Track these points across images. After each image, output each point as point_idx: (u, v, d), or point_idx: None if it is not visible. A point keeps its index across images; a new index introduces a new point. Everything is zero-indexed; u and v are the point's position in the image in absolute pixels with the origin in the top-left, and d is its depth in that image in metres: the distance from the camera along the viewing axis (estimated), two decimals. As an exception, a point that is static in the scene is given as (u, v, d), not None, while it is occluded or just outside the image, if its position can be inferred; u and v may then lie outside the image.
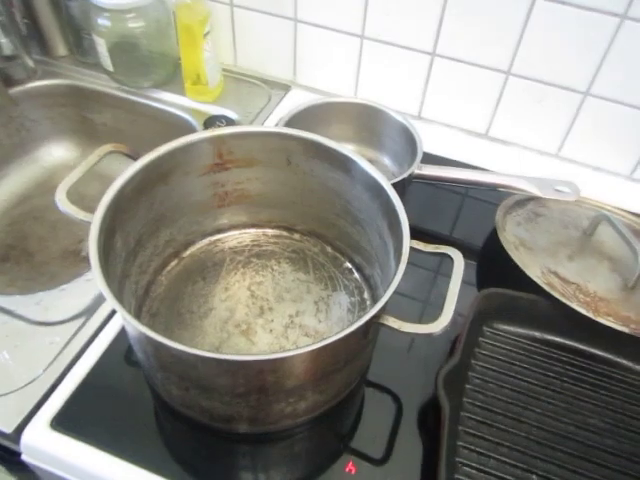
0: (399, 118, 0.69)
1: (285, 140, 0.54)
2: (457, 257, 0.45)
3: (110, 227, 0.46)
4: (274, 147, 0.55)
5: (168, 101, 0.85)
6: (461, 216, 0.73)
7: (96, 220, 0.44)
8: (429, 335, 0.40)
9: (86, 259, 0.82)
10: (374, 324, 0.41)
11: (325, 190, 0.57)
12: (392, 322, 0.41)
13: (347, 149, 0.52)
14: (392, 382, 0.54)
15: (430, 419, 0.51)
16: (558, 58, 0.69)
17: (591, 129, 0.74)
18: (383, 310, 0.41)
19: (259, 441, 0.49)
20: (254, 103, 0.86)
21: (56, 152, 0.94)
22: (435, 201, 0.73)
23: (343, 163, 0.53)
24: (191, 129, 0.83)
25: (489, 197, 0.74)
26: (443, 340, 0.57)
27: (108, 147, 0.51)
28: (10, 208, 0.87)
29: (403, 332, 0.41)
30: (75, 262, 0.81)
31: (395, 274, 0.42)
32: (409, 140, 0.69)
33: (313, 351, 0.36)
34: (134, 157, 0.53)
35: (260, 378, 0.40)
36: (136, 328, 0.37)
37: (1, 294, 0.59)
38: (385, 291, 0.41)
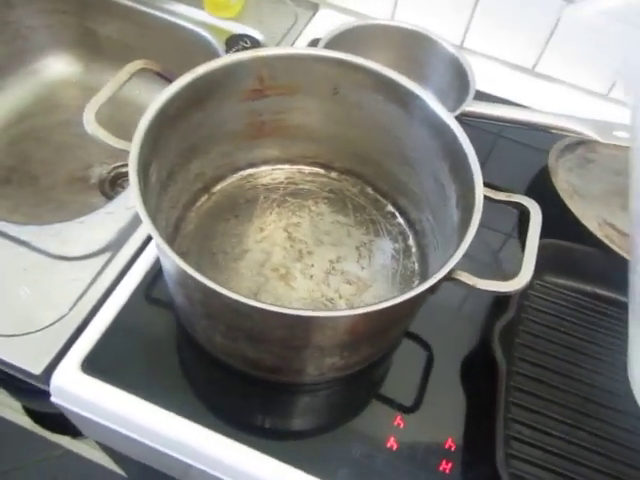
0: (449, 48, 0.63)
1: (337, 66, 0.48)
2: (533, 207, 0.41)
3: (147, 157, 0.41)
4: (322, 74, 0.49)
5: (183, 14, 0.77)
6: (496, 159, 0.69)
7: (134, 148, 0.39)
8: (506, 293, 0.37)
9: (96, 187, 0.76)
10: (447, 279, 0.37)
11: (373, 125, 0.52)
12: (466, 278, 0.37)
13: (410, 81, 0.46)
14: (430, 333, 0.52)
15: (475, 371, 0.50)
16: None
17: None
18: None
19: (299, 391, 0.47)
20: (279, 23, 0.78)
21: (56, 66, 0.85)
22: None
23: (402, 96, 0.47)
24: (209, 48, 0.76)
25: (525, 139, 0.69)
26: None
27: (139, 63, 0.45)
28: (8, 126, 0.80)
29: (478, 289, 0.37)
30: (83, 189, 0.76)
31: (470, 225, 0.38)
32: (457, 73, 0.63)
33: (392, 306, 0.33)
34: (167, 77, 0.47)
35: (321, 332, 0.37)
36: (191, 276, 0.33)
37: (14, 223, 0.54)
38: (459, 241, 0.38)
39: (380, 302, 0.33)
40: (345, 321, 0.35)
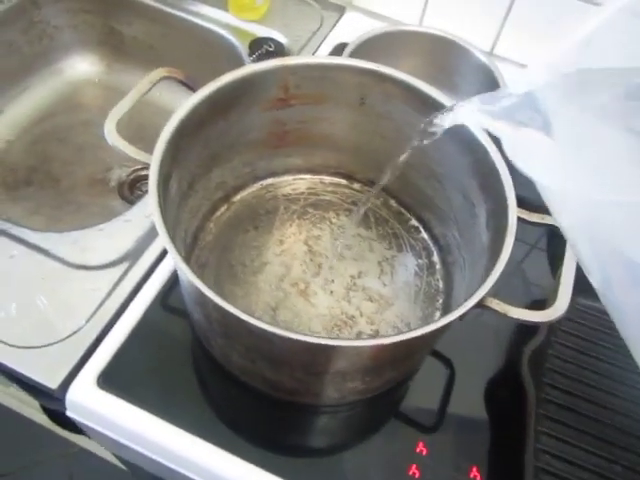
0: (480, 55, 0.61)
1: (364, 76, 0.47)
2: (570, 232, 0.39)
3: (168, 169, 0.40)
4: (348, 83, 0.48)
5: (208, 16, 0.76)
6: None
7: (155, 163, 0.37)
8: (539, 323, 0.35)
9: (115, 190, 0.76)
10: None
11: (400, 136, 0.50)
12: (496, 305, 0.35)
13: (440, 93, 0.44)
14: (452, 349, 0.50)
15: (501, 395, 0.48)
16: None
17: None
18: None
19: (318, 412, 0.46)
20: (304, 25, 0.76)
21: (80, 65, 0.85)
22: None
23: (431, 108, 0.45)
24: (233, 51, 0.74)
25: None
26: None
27: (162, 72, 0.44)
28: (32, 125, 0.80)
29: (509, 318, 0.35)
30: (103, 192, 0.75)
31: (502, 250, 0.36)
32: (488, 82, 0.61)
33: (422, 335, 0.31)
34: (190, 85, 0.45)
35: (343, 359, 0.35)
36: (210, 298, 0.32)
37: (34, 230, 0.53)
38: (488, 264, 0.36)
39: (406, 332, 0.32)
40: (368, 350, 0.33)
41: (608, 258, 0.23)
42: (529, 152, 0.25)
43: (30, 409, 1.12)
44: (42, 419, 1.12)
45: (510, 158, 0.26)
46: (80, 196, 0.74)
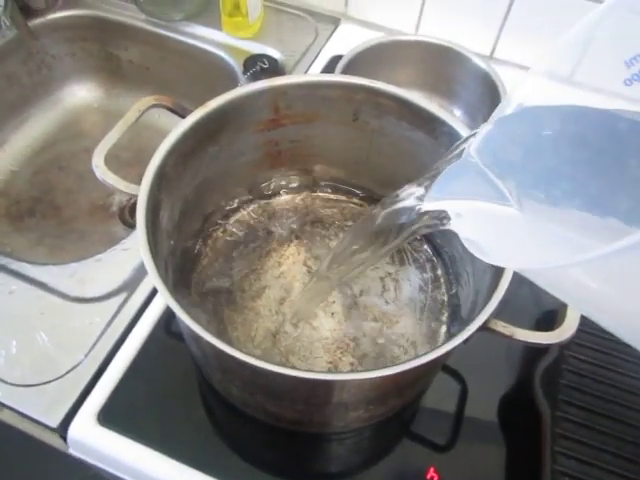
0: (479, 62, 0.59)
1: (355, 92, 0.45)
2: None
3: (156, 202, 0.39)
4: (339, 100, 0.47)
5: (202, 36, 0.75)
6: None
7: (142, 198, 0.36)
8: (547, 345, 0.34)
9: (116, 215, 0.75)
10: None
11: (397, 151, 0.49)
12: (502, 328, 0.34)
13: (436, 106, 0.43)
14: (463, 365, 0.48)
15: (515, 414, 0.46)
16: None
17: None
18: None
19: (323, 439, 0.44)
20: (299, 40, 0.75)
21: (79, 92, 0.85)
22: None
23: (427, 122, 0.44)
24: (228, 69, 0.74)
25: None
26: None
27: (150, 100, 0.43)
28: (34, 155, 0.80)
29: (515, 340, 0.34)
30: (104, 218, 0.75)
31: (504, 271, 0.34)
32: (487, 88, 0.59)
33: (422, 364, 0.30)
34: (179, 112, 0.45)
35: (344, 391, 0.34)
36: (204, 338, 0.31)
37: (33, 264, 0.52)
38: (492, 281, 0.34)
39: (407, 361, 0.30)
40: (369, 382, 0.32)
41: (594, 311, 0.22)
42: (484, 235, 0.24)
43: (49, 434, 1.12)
44: (59, 444, 1.11)
45: (471, 249, 0.24)
46: (82, 224, 0.74)
